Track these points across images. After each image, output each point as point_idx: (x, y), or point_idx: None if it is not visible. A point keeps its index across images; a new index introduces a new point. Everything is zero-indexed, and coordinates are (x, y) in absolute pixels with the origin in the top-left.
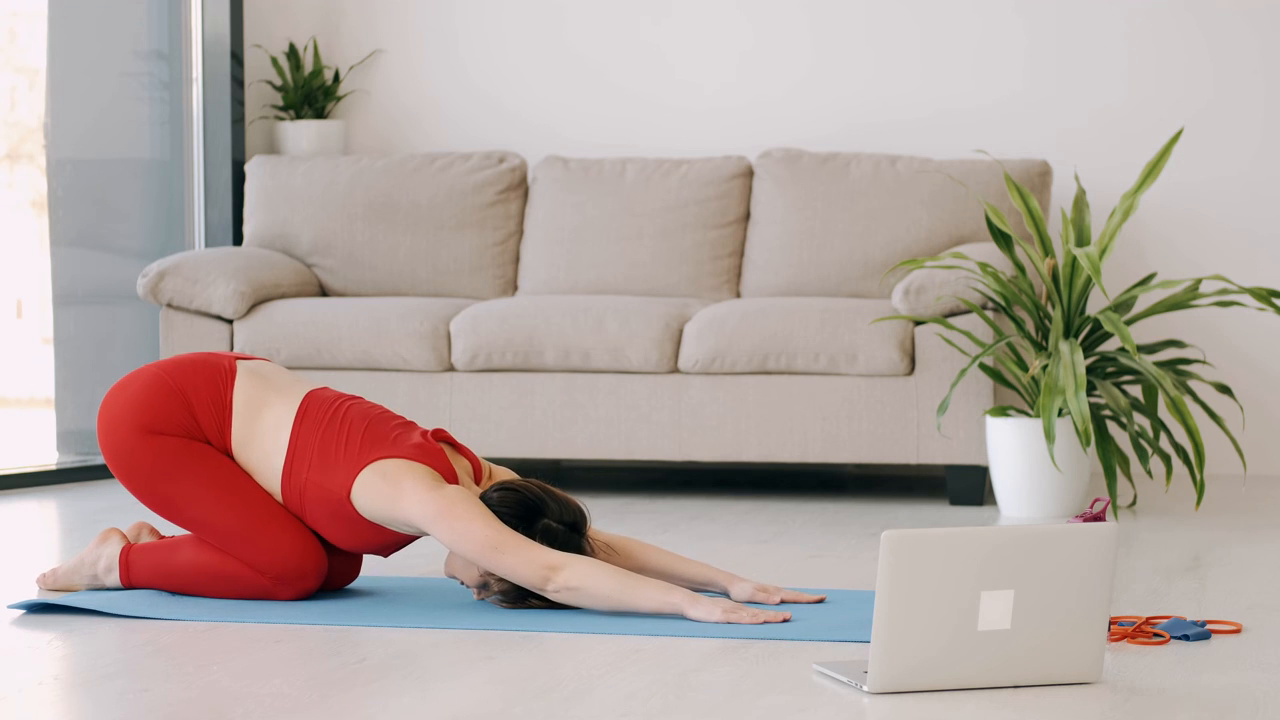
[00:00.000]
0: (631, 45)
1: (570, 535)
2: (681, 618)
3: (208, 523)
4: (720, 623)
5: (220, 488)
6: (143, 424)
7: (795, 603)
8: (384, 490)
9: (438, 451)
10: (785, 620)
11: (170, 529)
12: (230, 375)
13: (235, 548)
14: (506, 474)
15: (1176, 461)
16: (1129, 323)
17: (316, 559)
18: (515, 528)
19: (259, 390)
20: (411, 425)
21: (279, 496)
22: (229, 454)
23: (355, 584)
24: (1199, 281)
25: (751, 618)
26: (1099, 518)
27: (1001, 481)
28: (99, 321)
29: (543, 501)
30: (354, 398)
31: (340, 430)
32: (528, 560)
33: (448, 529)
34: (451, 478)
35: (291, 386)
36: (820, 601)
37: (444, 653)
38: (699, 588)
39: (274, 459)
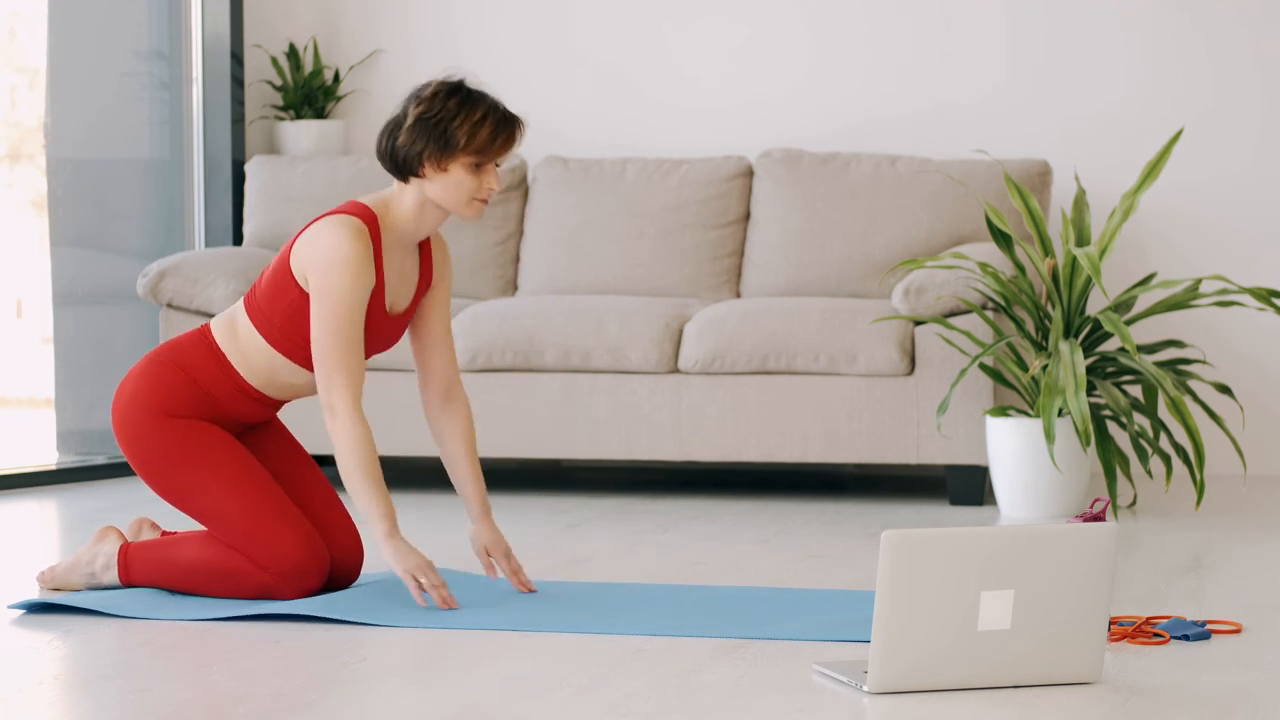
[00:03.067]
0: (632, 45)
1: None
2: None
3: (216, 514)
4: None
5: (232, 480)
6: (155, 406)
7: (514, 585)
8: (310, 240)
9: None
10: (451, 608)
11: (172, 525)
12: (207, 332)
13: (240, 541)
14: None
15: (1176, 461)
16: (1129, 323)
17: (319, 559)
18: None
19: (228, 326)
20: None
21: (280, 354)
22: (252, 396)
23: (355, 584)
24: (1199, 281)
25: (430, 589)
26: (1099, 518)
27: (1001, 481)
28: (99, 321)
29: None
30: None
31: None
32: (328, 382)
33: (316, 303)
34: (372, 225)
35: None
36: (531, 592)
37: (444, 653)
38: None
39: (259, 345)
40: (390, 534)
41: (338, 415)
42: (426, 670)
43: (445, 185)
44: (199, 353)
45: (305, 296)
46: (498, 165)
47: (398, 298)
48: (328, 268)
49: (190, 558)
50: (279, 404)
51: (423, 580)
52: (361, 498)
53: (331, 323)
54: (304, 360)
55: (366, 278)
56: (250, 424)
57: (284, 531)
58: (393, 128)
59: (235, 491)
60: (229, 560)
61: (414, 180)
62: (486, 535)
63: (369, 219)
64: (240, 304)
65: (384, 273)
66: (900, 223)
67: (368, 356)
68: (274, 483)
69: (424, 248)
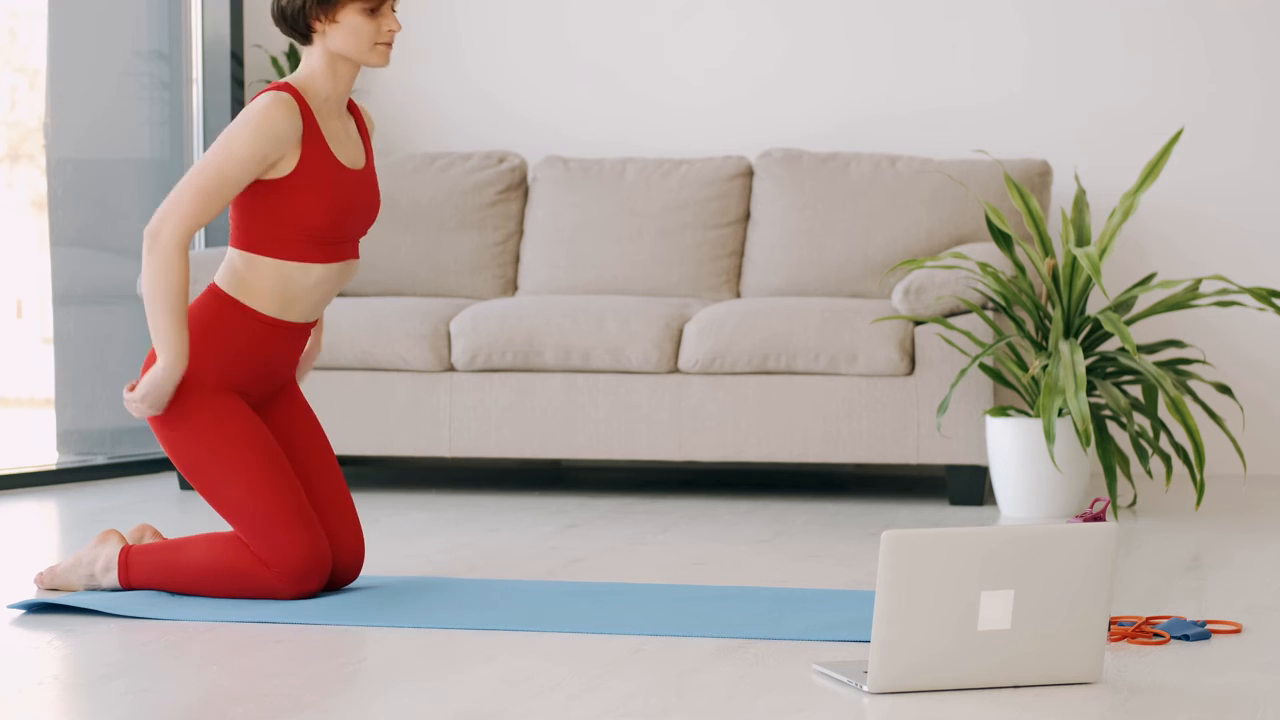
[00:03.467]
0: (632, 45)
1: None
2: None
3: (232, 505)
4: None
5: (253, 475)
6: (189, 380)
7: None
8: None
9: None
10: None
11: (174, 533)
12: (213, 288)
13: (249, 534)
14: None
15: (1176, 461)
16: (1129, 323)
17: (323, 562)
18: None
19: (227, 270)
20: None
21: (276, 258)
22: (279, 328)
23: (355, 584)
24: (1199, 281)
25: (131, 405)
26: (1099, 518)
27: (1001, 481)
28: (99, 321)
29: None
30: None
31: None
32: (168, 209)
33: (210, 149)
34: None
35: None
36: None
37: (444, 653)
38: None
39: (257, 265)
40: (173, 367)
41: (160, 242)
42: (426, 670)
43: (344, 35)
44: (213, 308)
45: (261, 184)
46: (394, 9)
47: (348, 155)
48: (235, 123)
49: (192, 561)
50: (307, 328)
51: (140, 406)
52: (163, 326)
53: (209, 162)
54: (299, 252)
55: (269, 145)
56: (286, 371)
57: (293, 532)
58: None
59: (254, 487)
60: (232, 564)
61: (315, 39)
62: None
63: (291, 90)
64: (228, 248)
65: (323, 133)
66: (900, 223)
67: (357, 220)
68: (294, 480)
69: (355, 115)
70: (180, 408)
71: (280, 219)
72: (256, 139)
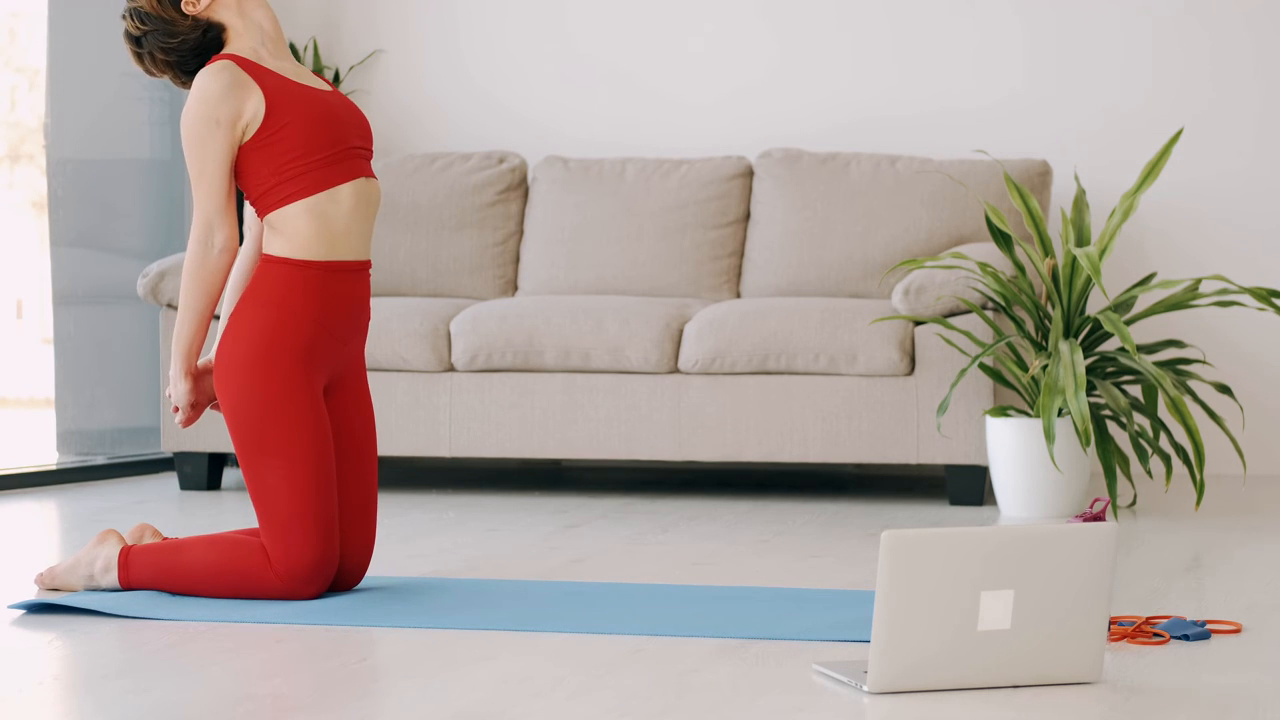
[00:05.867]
0: (632, 45)
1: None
2: None
3: (269, 490)
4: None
5: (301, 470)
6: (261, 352)
7: None
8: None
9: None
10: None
11: (172, 533)
12: (262, 258)
13: (269, 525)
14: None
15: (1176, 461)
16: (1129, 323)
17: (326, 573)
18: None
19: (267, 233)
20: None
21: (305, 198)
22: (335, 270)
23: (356, 588)
24: (1199, 281)
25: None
26: (1099, 518)
27: (1001, 481)
28: (99, 321)
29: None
30: None
31: None
32: (206, 201)
33: (183, 119)
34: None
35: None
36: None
37: (444, 653)
38: None
39: (289, 214)
40: (184, 377)
41: (220, 246)
42: (426, 670)
43: None
44: (271, 274)
45: (248, 145)
46: None
47: (310, 81)
48: (184, 112)
49: (192, 562)
50: (364, 268)
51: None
52: (178, 331)
53: (191, 160)
54: (316, 182)
55: (217, 102)
56: (358, 328)
57: (310, 538)
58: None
59: (296, 484)
60: (231, 565)
61: (187, 9)
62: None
63: (223, 55)
64: (254, 219)
65: (273, 70)
66: (900, 223)
67: (348, 129)
68: (333, 486)
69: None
70: (248, 381)
71: (282, 160)
72: (204, 107)
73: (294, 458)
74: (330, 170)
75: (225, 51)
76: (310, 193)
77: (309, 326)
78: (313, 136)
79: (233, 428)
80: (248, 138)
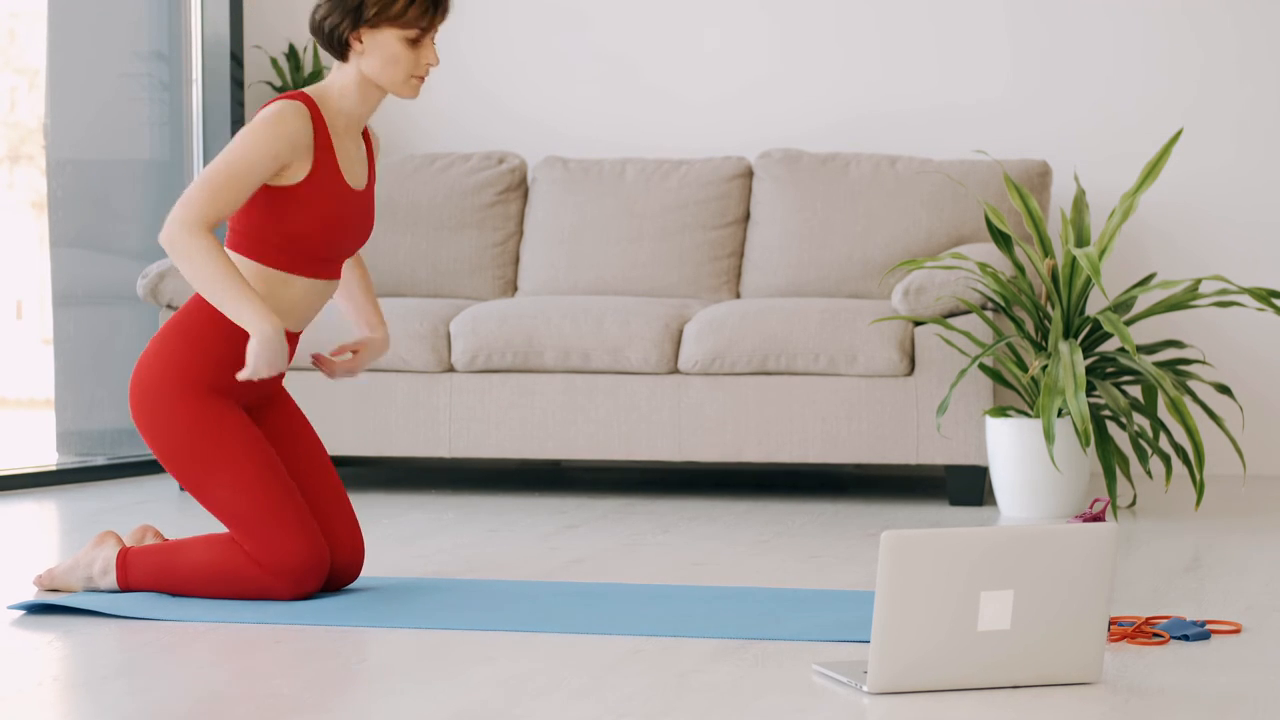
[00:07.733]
0: (632, 45)
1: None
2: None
3: (227, 506)
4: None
5: (246, 475)
6: (175, 381)
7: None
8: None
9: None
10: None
11: (174, 534)
12: None
13: (244, 536)
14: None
15: (1176, 461)
16: (1129, 323)
17: (320, 562)
18: None
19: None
20: None
21: (264, 265)
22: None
23: (355, 584)
24: (1199, 281)
25: (262, 373)
26: (1099, 518)
27: (1001, 482)
28: (99, 322)
29: None
30: None
31: None
32: (192, 198)
33: (225, 150)
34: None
35: None
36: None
37: (444, 653)
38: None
39: (246, 269)
40: (266, 333)
41: (195, 232)
42: (426, 670)
43: (381, 62)
44: (204, 310)
45: (267, 189)
46: (434, 42)
47: (354, 175)
48: (246, 127)
49: (190, 563)
50: (293, 338)
51: (265, 371)
52: (231, 305)
53: (220, 161)
54: (287, 263)
55: (282, 145)
56: (273, 379)
57: (287, 532)
58: (317, 3)
59: (248, 487)
60: (231, 565)
61: (351, 58)
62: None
63: (307, 101)
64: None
65: (335, 149)
66: (900, 223)
67: (349, 240)
68: (288, 480)
69: (364, 136)
70: (169, 411)
71: (276, 227)
72: (268, 139)
73: (233, 461)
74: (305, 263)
75: (318, 91)
76: (274, 267)
77: (227, 369)
78: (313, 234)
79: (166, 461)
80: (275, 182)
